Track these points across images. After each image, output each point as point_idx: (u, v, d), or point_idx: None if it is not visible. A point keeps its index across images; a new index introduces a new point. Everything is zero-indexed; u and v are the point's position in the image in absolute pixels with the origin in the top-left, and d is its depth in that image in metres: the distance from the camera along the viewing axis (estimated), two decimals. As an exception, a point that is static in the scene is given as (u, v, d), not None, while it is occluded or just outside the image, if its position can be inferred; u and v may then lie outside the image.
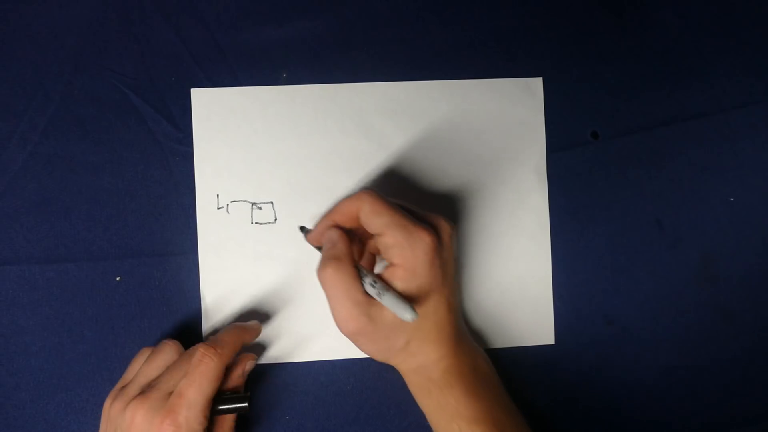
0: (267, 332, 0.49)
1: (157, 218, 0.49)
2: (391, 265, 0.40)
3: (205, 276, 0.48)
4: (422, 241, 0.39)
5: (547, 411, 0.50)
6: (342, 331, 0.41)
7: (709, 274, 0.52)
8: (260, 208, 0.49)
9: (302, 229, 0.48)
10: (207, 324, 0.48)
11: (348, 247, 0.41)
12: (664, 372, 0.51)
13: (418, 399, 0.44)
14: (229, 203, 0.49)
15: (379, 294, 0.39)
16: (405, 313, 0.37)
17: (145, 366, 0.42)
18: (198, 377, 0.40)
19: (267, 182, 0.49)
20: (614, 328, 0.51)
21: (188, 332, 0.48)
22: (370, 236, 0.43)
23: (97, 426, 0.48)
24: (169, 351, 0.43)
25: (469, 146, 0.50)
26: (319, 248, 0.43)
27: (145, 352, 0.44)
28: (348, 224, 0.42)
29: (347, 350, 0.49)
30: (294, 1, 0.50)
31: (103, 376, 0.48)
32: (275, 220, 0.49)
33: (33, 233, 0.48)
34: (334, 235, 0.41)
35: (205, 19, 0.49)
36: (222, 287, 0.49)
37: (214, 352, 0.41)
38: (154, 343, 0.48)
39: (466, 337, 0.45)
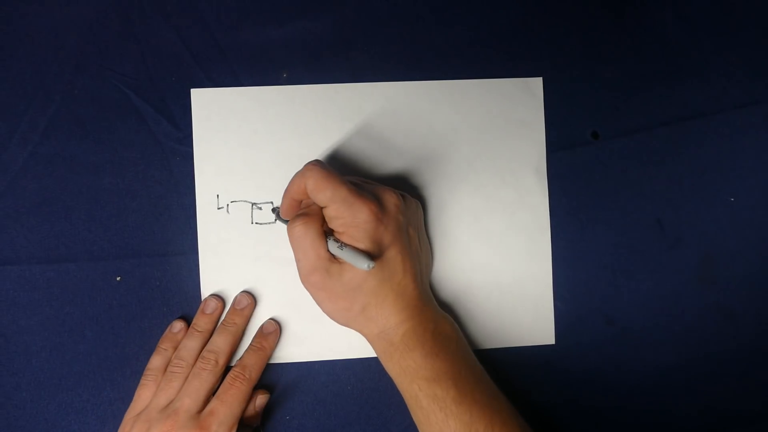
0: (267, 332, 0.49)
1: (157, 218, 0.49)
2: (338, 234, 0.42)
3: (205, 276, 0.48)
4: (362, 212, 0.41)
5: (547, 411, 0.50)
6: (305, 285, 0.44)
7: (709, 274, 0.52)
8: (260, 209, 0.49)
9: (274, 209, 0.49)
10: (207, 324, 0.48)
11: (318, 210, 0.43)
12: (664, 372, 0.51)
13: (383, 364, 0.45)
14: (229, 203, 0.49)
15: (340, 247, 0.41)
16: (361, 263, 0.40)
17: (165, 389, 0.45)
18: (229, 398, 0.44)
19: (267, 182, 0.49)
20: (614, 328, 0.51)
21: (188, 332, 0.49)
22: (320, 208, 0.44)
23: (96, 426, 0.48)
24: (181, 377, 0.45)
25: (469, 146, 0.50)
26: (286, 222, 0.45)
27: (148, 383, 0.46)
28: (302, 197, 0.44)
29: (347, 350, 0.49)
30: (294, 1, 0.50)
31: (103, 376, 0.48)
32: (275, 220, 0.49)
33: (33, 233, 0.48)
34: (308, 201, 0.44)
35: (205, 19, 0.49)
36: (222, 287, 0.49)
37: (244, 377, 0.45)
38: (154, 342, 0.48)
39: (431, 304, 0.46)
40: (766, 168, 0.52)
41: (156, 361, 0.47)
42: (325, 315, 0.44)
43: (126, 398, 0.48)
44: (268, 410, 0.48)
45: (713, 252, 0.52)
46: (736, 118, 0.52)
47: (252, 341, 0.48)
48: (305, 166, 0.43)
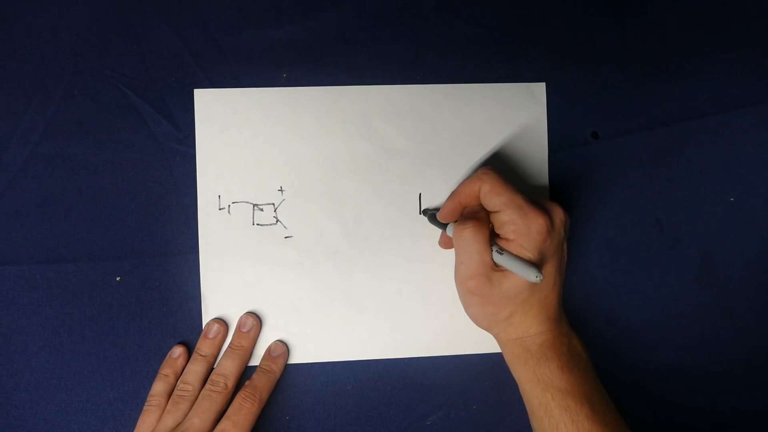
0: (267, 334, 0.49)
1: (157, 218, 0.49)
2: (505, 240, 0.43)
3: (205, 277, 0.48)
4: (536, 222, 0.42)
5: (547, 411, 0.50)
6: (460, 288, 0.45)
7: (709, 274, 0.52)
8: (261, 210, 0.49)
9: (425, 211, 0.49)
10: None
11: (486, 217, 0.44)
12: (664, 372, 0.51)
13: (512, 367, 0.46)
14: (231, 204, 0.49)
15: (506, 259, 0.42)
16: (531, 275, 0.41)
17: (172, 411, 0.45)
18: (240, 419, 0.45)
19: (269, 184, 0.49)
20: (614, 328, 0.51)
21: (188, 333, 0.49)
22: (488, 215, 0.45)
23: (96, 426, 0.48)
24: (188, 400, 0.46)
25: (471, 150, 0.50)
26: (445, 226, 0.47)
27: (152, 408, 0.46)
28: (470, 203, 0.45)
29: (347, 351, 0.49)
30: (294, 1, 0.50)
31: (103, 376, 0.48)
32: (276, 221, 0.49)
33: (33, 233, 0.48)
34: (476, 206, 0.45)
35: (206, 20, 0.49)
36: (222, 288, 0.49)
37: (254, 397, 0.46)
38: (154, 342, 0.48)
39: (564, 319, 0.47)
40: (766, 168, 0.52)
41: (158, 387, 0.47)
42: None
43: (126, 398, 0.48)
44: (268, 410, 0.48)
45: (713, 252, 0.52)
46: (736, 118, 0.52)
47: (261, 363, 0.48)
48: (480, 170, 0.44)
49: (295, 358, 0.49)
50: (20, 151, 0.48)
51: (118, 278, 0.48)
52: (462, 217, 0.45)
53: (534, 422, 0.45)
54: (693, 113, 0.52)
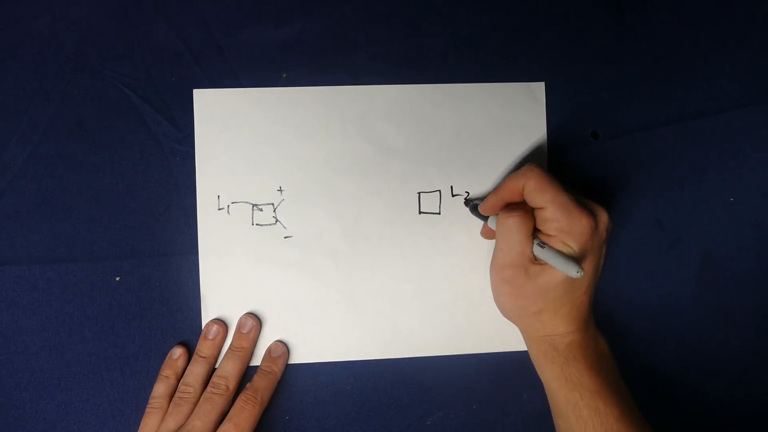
0: (267, 334, 0.49)
1: (157, 218, 0.49)
2: (547, 236, 0.43)
3: (205, 277, 0.48)
4: (580, 222, 0.42)
5: (547, 411, 0.50)
6: (495, 276, 0.45)
7: (709, 274, 0.52)
8: (261, 210, 0.49)
9: (467, 201, 0.49)
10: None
11: (531, 210, 0.44)
12: (664, 372, 0.51)
13: (538, 364, 0.46)
14: (230, 204, 0.49)
15: (547, 252, 0.41)
16: (572, 269, 0.40)
17: (174, 414, 0.45)
18: (242, 421, 0.45)
19: (268, 184, 0.49)
20: (614, 328, 0.51)
21: (188, 333, 0.49)
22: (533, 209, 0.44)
23: (96, 426, 0.48)
24: (189, 402, 0.46)
25: (471, 150, 0.50)
26: (486, 218, 0.47)
27: (154, 410, 0.46)
28: (514, 199, 0.44)
29: (347, 351, 0.49)
30: (294, 1, 0.50)
31: (102, 376, 0.48)
32: (276, 221, 0.49)
33: (33, 233, 0.48)
34: (520, 202, 0.45)
35: (205, 19, 0.49)
36: (222, 288, 0.49)
37: (256, 399, 0.46)
38: (154, 343, 0.48)
39: (592, 321, 0.47)
40: (766, 168, 0.52)
41: (160, 389, 0.47)
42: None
43: (126, 398, 0.48)
44: (268, 410, 0.48)
45: (713, 252, 0.52)
46: (736, 118, 0.52)
47: (261, 364, 0.48)
48: (526, 166, 0.44)
49: (295, 358, 0.49)
50: (20, 151, 0.48)
51: (118, 278, 0.48)
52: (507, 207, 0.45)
53: (560, 421, 0.45)
54: (693, 113, 0.52)
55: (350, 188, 0.50)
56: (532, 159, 0.51)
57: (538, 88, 0.51)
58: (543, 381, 0.46)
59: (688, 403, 0.51)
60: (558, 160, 0.51)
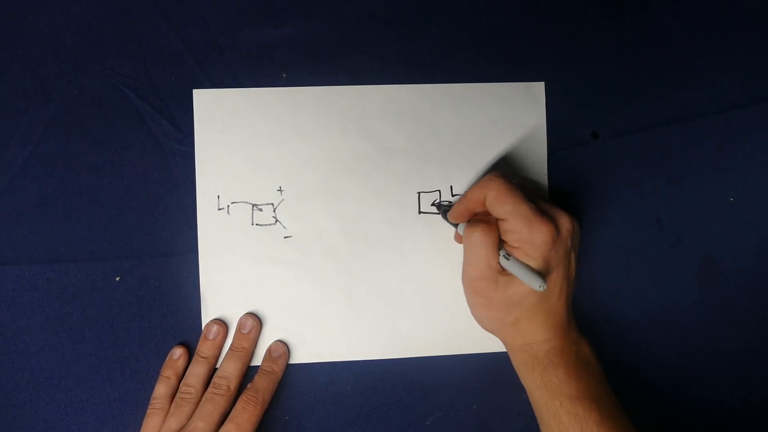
0: (267, 334, 0.49)
1: (157, 218, 0.49)
2: (510, 248, 0.43)
3: (205, 277, 0.48)
4: (540, 232, 0.41)
5: (547, 411, 0.50)
6: (467, 288, 0.45)
7: (709, 274, 0.52)
8: (261, 210, 0.49)
9: (439, 206, 0.49)
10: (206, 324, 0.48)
11: (495, 220, 0.44)
12: (664, 372, 0.51)
13: (521, 373, 0.46)
14: (230, 204, 0.49)
15: (512, 265, 0.42)
16: (535, 283, 0.41)
17: (176, 414, 0.45)
18: (243, 421, 0.45)
19: (268, 184, 0.49)
20: (614, 328, 0.51)
21: (188, 333, 0.49)
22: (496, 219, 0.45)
23: (96, 426, 0.48)
24: (191, 403, 0.46)
25: (471, 150, 0.50)
26: (455, 225, 0.47)
27: (155, 411, 0.46)
28: (477, 209, 0.45)
29: (347, 351, 0.49)
30: (294, 1, 0.50)
31: (102, 376, 0.48)
32: (276, 221, 0.49)
33: (33, 233, 0.48)
34: (482, 212, 0.45)
35: (205, 19, 0.49)
36: (222, 288, 0.49)
37: (257, 400, 0.46)
38: (154, 343, 0.48)
39: (573, 326, 0.47)
40: (766, 168, 0.52)
41: (161, 390, 0.47)
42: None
43: (126, 398, 0.48)
44: (268, 410, 0.48)
45: (713, 252, 0.52)
46: (736, 118, 0.52)
47: (262, 364, 0.48)
48: (487, 176, 0.44)
49: (295, 358, 0.49)
50: (20, 151, 0.48)
51: (118, 278, 0.48)
52: (473, 218, 0.45)
53: (543, 429, 0.45)
54: (693, 113, 0.52)
55: (350, 188, 0.50)
56: (532, 159, 0.51)
57: (538, 88, 0.51)
58: (526, 390, 0.46)
59: (688, 403, 0.51)
60: (558, 160, 0.51)
